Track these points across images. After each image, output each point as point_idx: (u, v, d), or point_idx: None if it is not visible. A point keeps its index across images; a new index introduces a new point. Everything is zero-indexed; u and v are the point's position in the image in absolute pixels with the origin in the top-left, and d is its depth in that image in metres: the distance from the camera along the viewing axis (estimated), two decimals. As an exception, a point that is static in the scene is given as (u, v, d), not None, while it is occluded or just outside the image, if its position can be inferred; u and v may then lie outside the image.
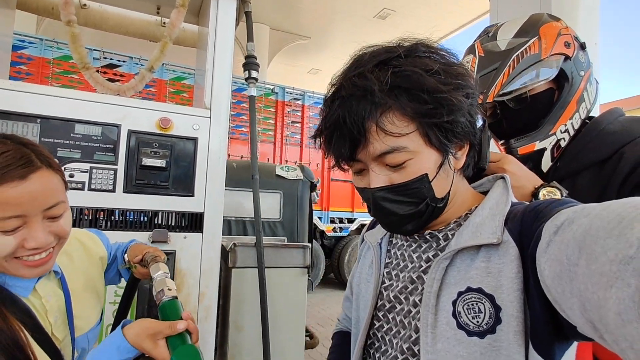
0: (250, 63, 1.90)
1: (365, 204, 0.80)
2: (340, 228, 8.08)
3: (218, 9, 1.81)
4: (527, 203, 0.70)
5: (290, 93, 7.70)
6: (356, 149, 0.71)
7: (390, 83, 0.66)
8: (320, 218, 7.84)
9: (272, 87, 7.47)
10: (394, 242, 0.89)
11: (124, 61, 6.38)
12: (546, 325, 0.59)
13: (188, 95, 6.60)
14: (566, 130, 1.08)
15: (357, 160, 0.73)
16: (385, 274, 0.86)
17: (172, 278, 1.62)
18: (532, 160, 1.09)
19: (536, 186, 0.95)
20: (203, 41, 2.01)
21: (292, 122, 7.68)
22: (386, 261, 0.87)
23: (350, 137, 0.70)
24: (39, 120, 1.51)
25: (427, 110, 0.66)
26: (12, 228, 0.79)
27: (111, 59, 6.29)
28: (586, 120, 1.11)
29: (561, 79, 1.07)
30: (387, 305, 0.82)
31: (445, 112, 0.66)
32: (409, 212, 0.73)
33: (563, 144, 1.08)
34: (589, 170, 1.04)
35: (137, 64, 6.44)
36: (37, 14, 2.17)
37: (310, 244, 2.27)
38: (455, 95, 0.66)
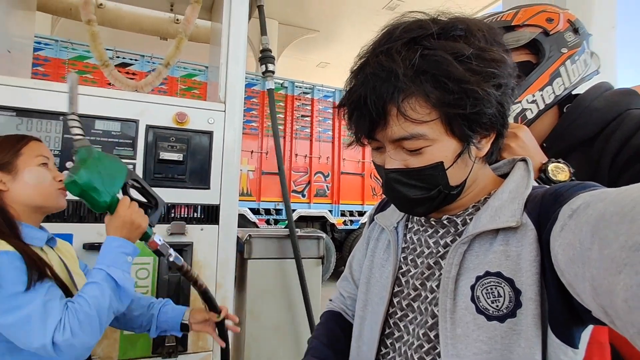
0: (266, 57, 1.94)
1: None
2: (351, 221, 8.09)
3: (231, 4, 1.84)
4: (548, 187, 0.69)
5: (300, 87, 7.71)
6: (375, 129, 0.70)
7: (417, 67, 0.63)
8: (330, 211, 7.87)
9: (281, 81, 7.49)
10: (409, 226, 0.87)
11: (135, 60, 6.46)
12: (563, 308, 0.59)
13: (199, 92, 6.65)
14: (534, 101, 1.04)
15: (375, 139, 0.73)
16: (402, 259, 0.84)
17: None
18: None
19: (543, 162, 0.95)
20: (216, 37, 2.05)
21: (302, 116, 7.69)
22: (402, 246, 0.85)
23: (369, 117, 0.68)
24: (61, 117, 1.56)
25: (451, 100, 0.63)
26: (45, 162, 1.18)
27: (123, 57, 6.37)
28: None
29: (539, 53, 1.06)
30: (404, 292, 0.81)
31: (470, 103, 0.63)
32: (420, 197, 0.73)
33: (530, 115, 1.05)
34: (578, 150, 1.03)
35: (148, 62, 6.52)
36: (56, 15, 2.23)
37: (324, 234, 2.30)
38: (483, 87, 0.63)
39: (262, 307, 2.10)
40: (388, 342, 0.82)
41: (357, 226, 8.16)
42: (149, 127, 1.66)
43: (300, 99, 7.69)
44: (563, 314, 0.59)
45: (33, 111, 1.52)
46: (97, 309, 1.06)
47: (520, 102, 1.04)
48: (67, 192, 1.15)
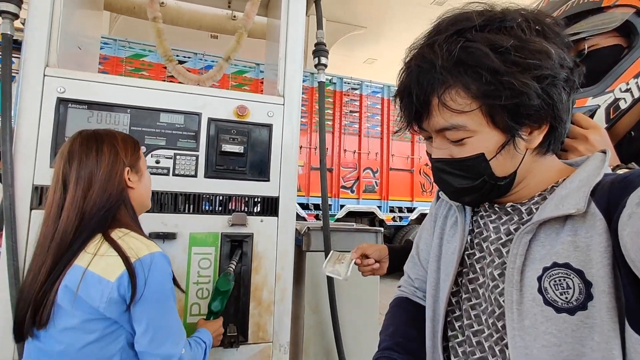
0: (320, 50, 1.94)
1: None
2: (400, 217, 8.02)
3: (289, 0, 1.85)
4: (618, 173, 0.67)
5: (348, 83, 7.70)
6: (421, 119, 0.74)
7: (457, 58, 0.65)
8: (379, 207, 7.82)
9: (330, 77, 7.50)
10: (475, 209, 0.86)
11: (189, 57, 6.67)
12: (637, 302, 0.56)
13: (249, 88, 6.78)
14: (628, 90, 0.95)
15: (423, 129, 0.76)
16: (468, 240, 0.84)
17: (251, 260, 1.70)
18: None
19: (612, 166, 0.87)
20: (273, 32, 2.07)
21: (350, 111, 7.68)
22: (469, 228, 0.85)
23: (415, 108, 0.72)
24: (128, 110, 1.62)
25: (489, 90, 0.65)
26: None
27: (177, 55, 6.56)
28: None
29: (631, 35, 0.96)
30: (470, 275, 0.81)
31: (507, 94, 0.64)
32: (465, 187, 0.74)
33: (623, 105, 0.96)
34: None
35: (200, 59, 6.70)
36: (120, 13, 2.33)
37: (382, 229, 2.27)
38: (520, 78, 0.63)
39: (320, 300, 2.11)
40: (457, 324, 0.82)
41: (407, 222, 8.07)
42: (210, 120, 1.69)
43: (348, 95, 7.68)
44: (638, 308, 0.56)
45: (103, 104, 1.59)
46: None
47: (612, 91, 0.96)
48: None
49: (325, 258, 1.43)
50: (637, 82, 0.95)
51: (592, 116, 0.97)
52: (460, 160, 0.72)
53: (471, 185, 0.74)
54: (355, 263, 1.40)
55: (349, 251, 1.43)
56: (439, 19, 0.73)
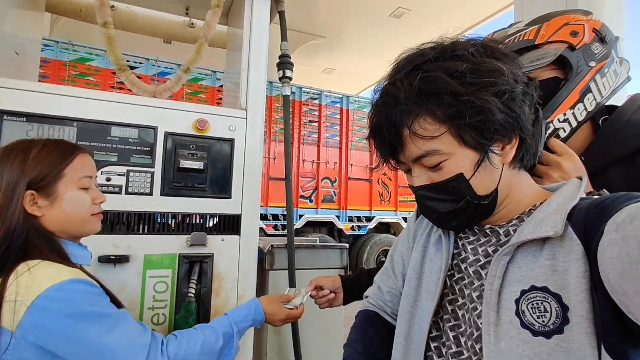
0: (284, 62, 1.88)
1: None
2: (359, 226, 8.09)
3: (252, 10, 1.78)
4: (594, 197, 0.68)
5: (307, 92, 7.70)
6: (396, 152, 0.77)
7: (418, 89, 0.70)
8: (338, 217, 7.85)
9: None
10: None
11: (141, 63, 6.44)
12: (615, 328, 0.56)
13: (205, 96, 6.63)
14: (566, 120, 1.02)
15: (400, 162, 0.79)
16: (451, 260, 0.84)
17: (211, 281, 1.61)
18: None
19: (586, 192, 0.91)
20: (234, 42, 1.99)
21: (310, 121, 7.67)
22: (453, 251, 0.85)
23: (389, 142, 0.76)
24: (75, 123, 1.49)
25: (453, 112, 0.69)
26: (88, 186, 1.09)
27: (127, 60, 6.32)
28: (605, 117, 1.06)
29: (566, 68, 1.03)
30: (450, 296, 0.81)
31: (470, 113, 0.68)
32: (450, 209, 0.76)
33: (563, 134, 1.03)
34: (619, 164, 1.00)
35: (153, 65, 6.49)
36: (64, 16, 2.17)
37: (347, 245, 2.24)
38: (480, 96, 0.67)
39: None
40: (433, 345, 0.82)
41: (365, 232, 8.14)
42: (168, 134, 1.59)
43: (307, 105, 7.68)
44: (615, 333, 0.57)
45: (44, 116, 1.45)
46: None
47: (551, 121, 1.01)
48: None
49: (289, 280, 1.42)
50: (573, 112, 1.02)
51: None
52: (442, 183, 0.74)
53: (456, 207, 0.75)
54: (310, 295, 1.46)
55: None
56: (396, 60, 0.78)
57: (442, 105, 0.69)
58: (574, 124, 1.02)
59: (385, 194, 8.40)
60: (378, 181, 8.30)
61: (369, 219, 8.21)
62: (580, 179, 0.75)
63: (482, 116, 0.68)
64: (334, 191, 7.91)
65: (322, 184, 7.75)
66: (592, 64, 1.02)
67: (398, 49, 0.80)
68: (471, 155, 0.72)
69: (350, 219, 8.04)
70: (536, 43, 1.03)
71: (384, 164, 0.83)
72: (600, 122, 1.06)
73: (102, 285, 1.05)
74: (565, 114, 1.01)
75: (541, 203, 0.74)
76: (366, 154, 8.21)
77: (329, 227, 8.03)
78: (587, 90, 1.02)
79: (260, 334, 2.06)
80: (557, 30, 1.03)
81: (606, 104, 1.06)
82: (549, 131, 1.02)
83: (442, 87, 0.68)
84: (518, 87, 0.71)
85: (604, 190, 0.91)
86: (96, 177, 1.17)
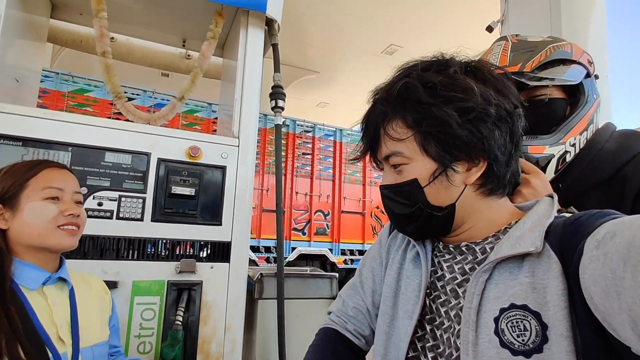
0: (277, 92, 1.92)
1: None
2: (351, 260, 8.01)
3: (247, 42, 1.84)
4: (568, 215, 0.69)
5: (301, 125, 7.79)
6: (375, 150, 0.82)
7: (397, 94, 0.74)
8: (331, 250, 7.78)
9: (283, 119, 7.54)
10: (434, 249, 0.87)
11: (138, 94, 6.53)
12: (598, 347, 0.56)
13: (200, 128, 6.69)
14: (574, 145, 1.04)
15: (377, 159, 0.84)
16: (429, 279, 0.82)
17: (199, 310, 1.59)
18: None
19: None
20: (229, 73, 2.04)
21: (303, 153, 7.72)
22: (431, 268, 0.83)
23: (369, 140, 0.82)
24: (70, 148, 1.51)
25: (417, 119, 0.72)
26: (54, 195, 1.05)
27: (125, 92, 6.39)
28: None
29: (577, 93, 1.05)
30: (428, 315, 0.79)
31: (430, 122, 0.71)
32: (404, 213, 0.79)
33: (568, 158, 1.05)
34: (595, 190, 1.03)
35: (150, 97, 6.57)
36: (66, 46, 2.22)
37: (336, 274, 2.22)
38: (443, 108, 0.70)
39: (271, 350, 1.99)
40: None
41: (357, 265, 8.03)
42: (160, 160, 1.61)
43: (301, 137, 7.75)
44: (598, 352, 0.57)
45: (40, 141, 1.47)
46: None
47: (564, 142, 1.03)
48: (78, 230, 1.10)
49: (277, 310, 1.39)
50: (579, 139, 1.04)
51: (547, 164, 1.04)
52: (398, 185, 0.78)
53: (409, 212, 0.77)
54: None
55: None
56: (397, 67, 0.83)
57: (411, 112, 0.73)
58: (577, 151, 1.05)
59: (378, 228, 8.37)
60: (371, 214, 8.30)
61: (361, 253, 8.13)
62: (552, 197, 0.76)
63: (440, 128, 0.71)
64: (327, 224, 7.88)
65: (315, 216, 7.73)
66: (596, 96, 1.06)
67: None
68: (429, 165, 0.74)
69: (343, 252, 7.98)
70: (573, 58, 1.04)
71: (363, 156, 0.87)
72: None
73: (10, 314, 0.93)
74: (575, 138, 1.04)
75: (516, 222, 0.74)
76: (359, 187, 8.24)
77: (321, 260, 7.94)
78: (592, 121, 1.05)
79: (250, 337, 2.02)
80: (582, 54, 1.06)
81: None
82: (561, 152, 1.03)
83: (414, 95, 0.72)
84: (490, 109, 0.71)
85: (572, 207, 0.94)
86: (79, 193, 1.13)
